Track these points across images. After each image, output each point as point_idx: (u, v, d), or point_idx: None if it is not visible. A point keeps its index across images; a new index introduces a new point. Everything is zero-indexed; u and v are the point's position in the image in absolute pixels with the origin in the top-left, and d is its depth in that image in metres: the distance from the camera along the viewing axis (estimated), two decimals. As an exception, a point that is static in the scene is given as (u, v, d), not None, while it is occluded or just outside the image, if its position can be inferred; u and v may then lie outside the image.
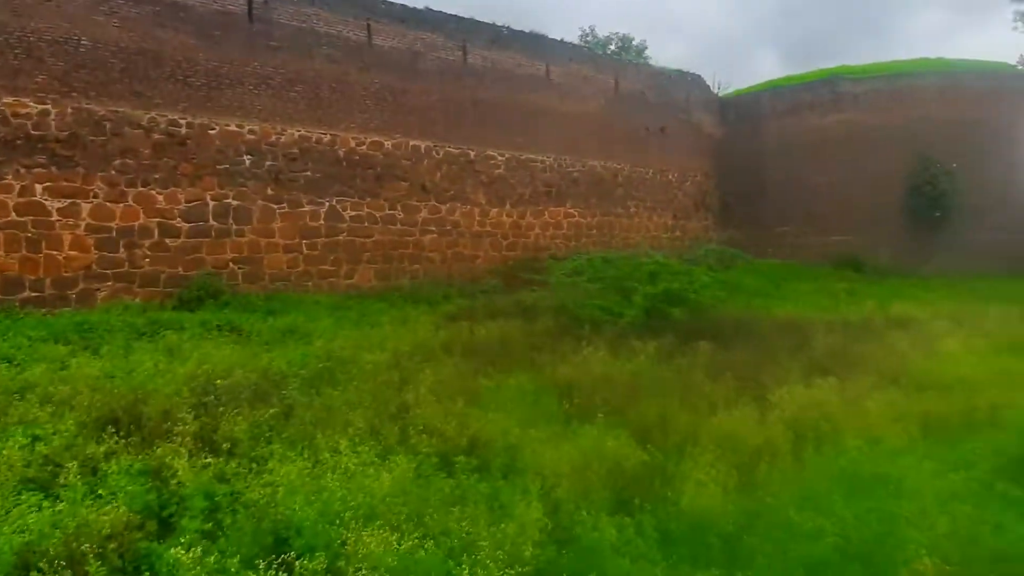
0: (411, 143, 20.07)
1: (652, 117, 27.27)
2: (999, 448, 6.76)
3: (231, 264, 16.62)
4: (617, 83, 26.06)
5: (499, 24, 22.59)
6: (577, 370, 9.00)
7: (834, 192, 26.85)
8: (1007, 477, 6.14)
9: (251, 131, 17.16)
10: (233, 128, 16.94)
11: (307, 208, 17.87)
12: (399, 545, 3.57)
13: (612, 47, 33.20)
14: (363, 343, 11.03)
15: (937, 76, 26.13)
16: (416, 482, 4.68)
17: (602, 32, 33.63)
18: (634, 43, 33.68)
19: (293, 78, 17.88)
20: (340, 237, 18.43)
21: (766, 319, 12.39)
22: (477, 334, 11.92)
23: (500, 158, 22.46)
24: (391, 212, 19.53)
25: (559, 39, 24.45)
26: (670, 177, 28.11)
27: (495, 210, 22.31)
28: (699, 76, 29.44)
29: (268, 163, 17.34)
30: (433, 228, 20.53)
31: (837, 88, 27.09)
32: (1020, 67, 30.82)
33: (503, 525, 3.98)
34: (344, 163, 18.65)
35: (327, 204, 18.22)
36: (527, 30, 23.65)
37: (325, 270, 18.10)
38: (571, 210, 24.59)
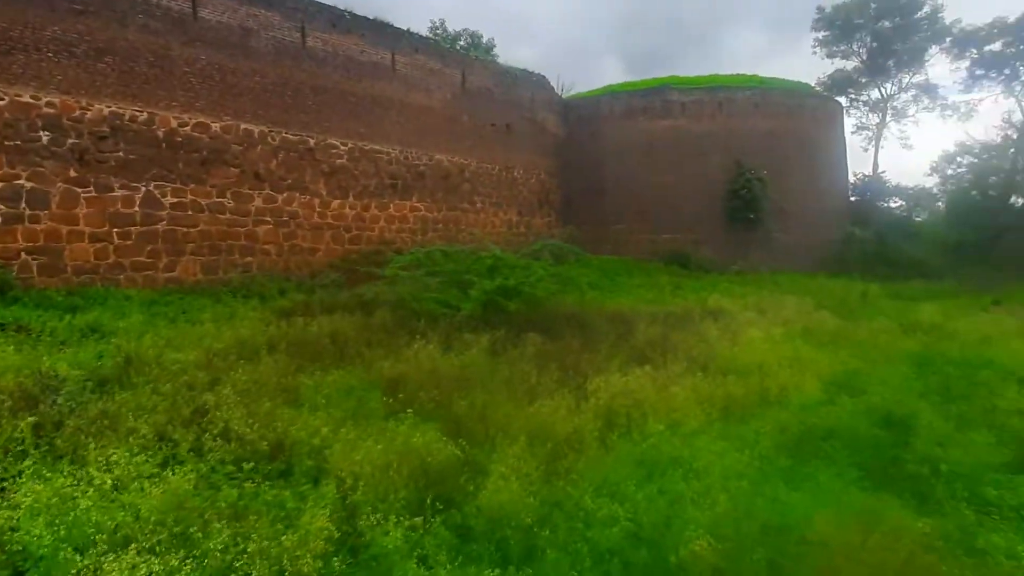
0: (243, 127, 18.79)
1: (498, 114, 27.64)
2: (783, 425, 7.46)
3: (23, 254, 14.62)
4: (464, 78, 26.11)
5: (340, 8, 21.70)
6: (407, 365, 8.82)
7: (664, 193, 28.74)
8: (786, 452, 6.78)
9: (49, 104, 15.19)
10: (27, 99, 14.91)
11: (119, 193, 16.14)
12: (153, 571, 3.21)
13: (461, 43, 33.17)
14: (176, 341, 10.12)
15: (751, 91, 28.78)
16: (197, 494, 4.27)
17: (453, 27, 33.67)
18: (483, 40, 33.95)
19: (102, 48, 16.05)
20: (159, 226, 16.85)
21: (597, 311, 12.92)
22: (309, 330, 11.37)
23: (343, 147, 21.69)
24: (219, 200, 18.18)
25: (405, 29, 24.00)
26: (515, 174, 28.65)
27: (337, 202, 21.54)
28: (544, 77, 30.23)
29: (71, 141, 15.45)
30: (268, 218, 19.41)
31: (667, 97, 28.97)
32: (818, 87, 34.79)
33: (284, 537, 3.72)
34: (164, 145, 17.06)
35: (143, 189, 16.57)
36: (371, 16, 22.91)
37: (141, 262, 16.47)
38: (417, 204, 24.32)
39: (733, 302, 14.86)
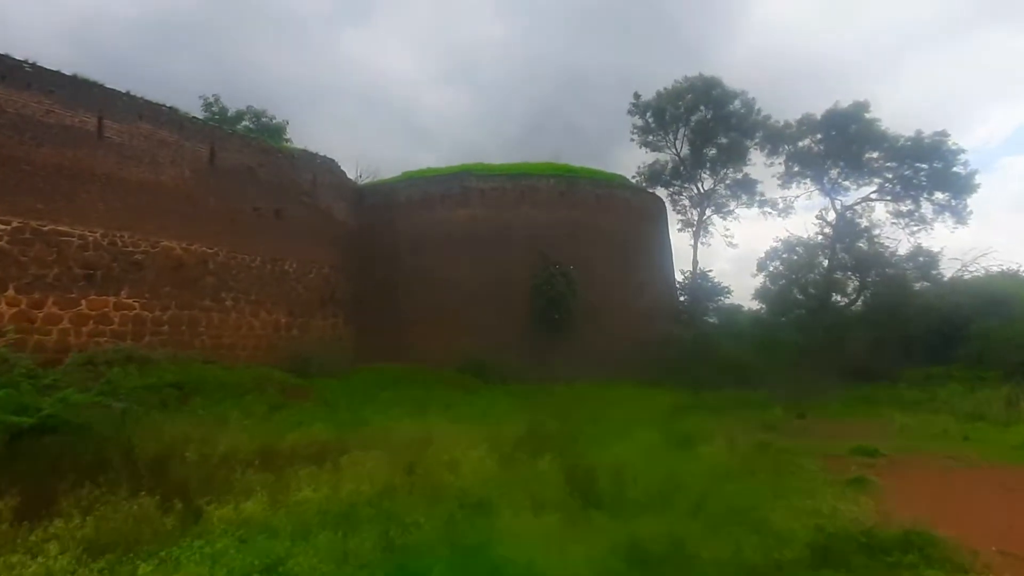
0: None
1: (263, 198, 23.62)
2: None
3: None
4: (214, 153, 22.09)
5: (15, 58, 17.41)
6: None
7: (463, 290, 25.22)
8: None
9: None
10: None
11: None
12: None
13: (246, 122, 29.33)
14: None
15: (556, 179, 26.35)
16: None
17: (236, 105, 29.70)
18: (273, 121, 30.24)
19: None
20: None
21: (142, 450, 8.32)
22: None
23: (1, 227, 16.79)
24: None
25: (124, 91, 19.87)
26: (287, 267, 24.35)
27: (-16, 296, 16.35)
28: (332, 160, 26.76)
29: None
30: None
31: (466, 183, 26.08)
32: (636, 178, 33.24)
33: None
34: None
35: None
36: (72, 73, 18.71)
37: None
38: (128, 300, 19.38)
39: (417, 426, 10.76)
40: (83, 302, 18.35)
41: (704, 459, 8.81)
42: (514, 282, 25.17)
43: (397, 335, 25.88)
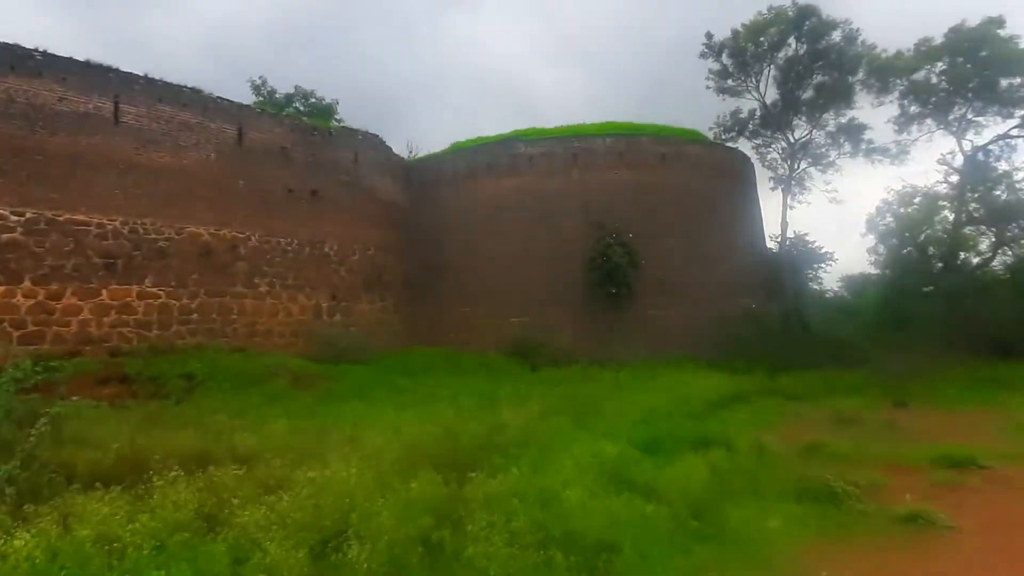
0: None
1: (299, 178, 22.51)
2: None
3: None
4: (242, 134, 21.17)
5: (25, 45, 17.06)
6: None
7: (513, 267, 23.00)
8: None
9: None
10: None
11: None
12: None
13: (296, 105, 28.46)
14: None
15: (613, 138, 23.34)
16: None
17: (284, 88, 28.90)
18: (323, 102, 29.12)
19: None
20: None
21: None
22: None
23: (14, 218, 16.53)
24: None
25: (141, 74, 19.23)
26: (327, 249, 23.18)
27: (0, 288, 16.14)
28: (376, 136, 25.30)
29: None
30: None
31: (514, 150, 23.73)
32: (714, 129, 29.08)
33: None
34: None
35: None
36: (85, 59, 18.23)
37: None
38: (152, 288, 18.82)
39: (384, 423, 8.70)
40: (104, 292, 17.92)
41: (671, 479, 6.15)
42: (568, 255, 22.62)
43: (445, 317, 24.17)
